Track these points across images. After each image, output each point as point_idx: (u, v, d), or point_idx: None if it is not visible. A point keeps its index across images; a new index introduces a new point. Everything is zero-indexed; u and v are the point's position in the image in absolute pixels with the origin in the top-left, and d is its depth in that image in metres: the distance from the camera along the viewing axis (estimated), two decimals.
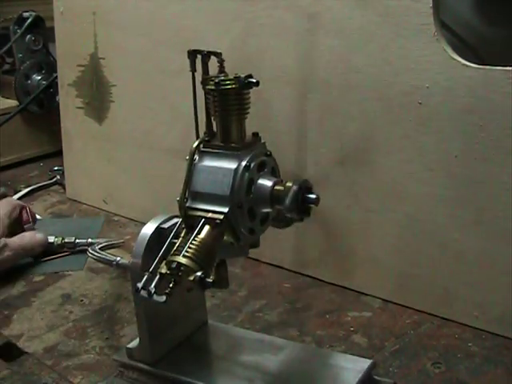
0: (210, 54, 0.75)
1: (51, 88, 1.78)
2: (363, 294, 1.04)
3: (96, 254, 1.08)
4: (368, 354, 0.88)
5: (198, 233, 0.71)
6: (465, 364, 0.85)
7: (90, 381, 0.86)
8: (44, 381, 0.86)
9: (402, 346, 0.90)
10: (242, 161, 0.72)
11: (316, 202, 0.74)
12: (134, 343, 0.84)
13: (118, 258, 1.06)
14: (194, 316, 0.89)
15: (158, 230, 0.79)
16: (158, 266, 0.71)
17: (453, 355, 0.87)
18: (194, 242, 0.70)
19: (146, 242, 0.78)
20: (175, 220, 0.79)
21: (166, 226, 0.79)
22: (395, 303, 1.00)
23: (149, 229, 0.79)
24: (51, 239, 1.23)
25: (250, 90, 0.74)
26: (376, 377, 0.81)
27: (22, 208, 1.26)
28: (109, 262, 1.07)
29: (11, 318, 1.03)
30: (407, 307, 0.99)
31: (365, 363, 0.80)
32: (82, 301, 1.07)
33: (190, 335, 0.88)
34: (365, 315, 0.99)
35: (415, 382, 0.82)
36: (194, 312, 0.90)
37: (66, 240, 1.24)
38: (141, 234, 0.79)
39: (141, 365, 0.83)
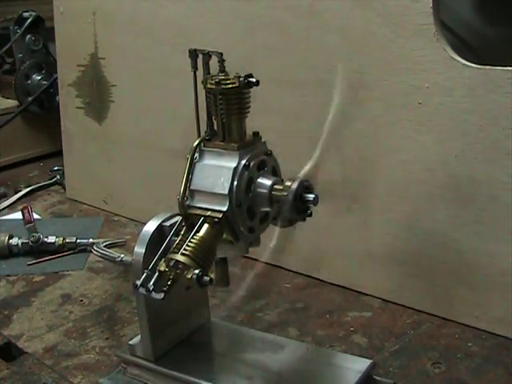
0: (210, 53, 0.75)
1: (51, 88, 1.78)
2: (363, 293, 1.04)
3: (101, 251, 1.10)
4: (368, 353, 0.88)
5: (197, 231, 0.71)
6: (465, 364, 0.85)
7: (89, 381, 0.86)
8: (44, 381, 0.86)
9: (402, 346, 0.90)
10: (241, 160, 0.73)
11: (315, 201, 0.74)
12: (136, 340, 0.84)
13: (122, 255, 1.08)
14: (196, 314, 0.90)
15: (160, 227, 0.79)
16: (157, 264, 0.72)
17: (453, 355, 0.87)
18: (192, 240, 0.70)
19: (148, 239, 0.78)
20: (177, 218, 0.79)
21: (167, 223, 0.79)
22: (395, 303, 1.00)
23: (151, 226, 0.79)
24: (52, 239, 1.24)
25: (251, 90, 0.74)
26: (376, 377, 0.81)
27: (24, 208, 1.26)
28: (112, 259, 1.09)
29: (11, 318, 1.03)
30: (407, 307, 0.99)
31: (365, 363, 0.80)
32: (81, 301, 1.07)
33: (192, 332, 0.88)
34: (365, 315, 0.99)
35: (415, 382, 0.82)
36: (197, 310, 0.90)
37: (67, 240, 1.24)
38: (143, 231, 0.79)
39: (142, 361, 0.83)
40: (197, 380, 0.78)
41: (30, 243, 1.23)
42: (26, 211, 1.25)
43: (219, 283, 0.76)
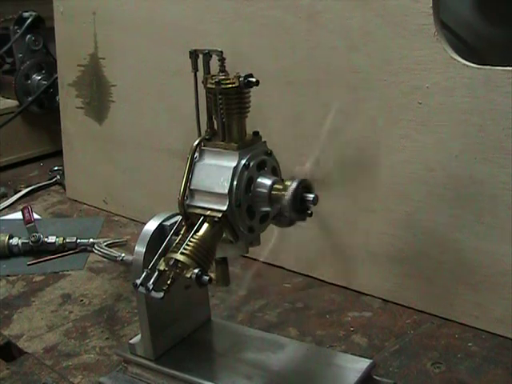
0: (211, 52, 0.75)
1: (51, 88, 1.78)
2: (363, 293, 1.04)
3: (102, 250, 1.10)
4: (368, 353, 0.88)
5: (197, 230, 0.71)
6: (465, 364, 0.85)
7: (89, 381, 0.86)
8: (44, 381, 0.86)
9: (402, 346, 0.90)
10: (241, 159, 0.73)
11: (315, 201, 0.74)
12: (136, 339, 0.84)
13: (123, 255, 1.08)
14: (196, 313, 0.90)
15: (160, 227, 0.79)
16: (157, 263, 0.72)
17: (453, 355, 0.87)
18: (192, 239, 0.70)
19: (148, 238, 0.78)
20: (177, 218, 0.80)
21: (168, 223, 0.80)
22: (395, 303, 1.00)
23: (151, 226, 0.80)
24: (52, 239, 1.24)
25: (251, 90, 0.74)
26: (376, 377, 0.81)
27: (24, 208, 1.26)
28: (113, 259, 1.10)
29: (11, 318, 1.03)
30: (407, 307, 0.99)
31: (365, 363, 0.80)
32: (81, 301, 1.07)
33: (192, 332, 0.88)
34: (365, 315, 0.99)
35: (415, 382, 0.82)
36: (197, 309, 0.90)
37: (67, 240, 1.24)
38: (143, 230, 0.80)
39: (143, 360, 0.83)
40: (197, 379, 0.78)
41: (30, 243, 1.23)
42: (26, 211, 1.25)
43: (219, 283, 0.76)
